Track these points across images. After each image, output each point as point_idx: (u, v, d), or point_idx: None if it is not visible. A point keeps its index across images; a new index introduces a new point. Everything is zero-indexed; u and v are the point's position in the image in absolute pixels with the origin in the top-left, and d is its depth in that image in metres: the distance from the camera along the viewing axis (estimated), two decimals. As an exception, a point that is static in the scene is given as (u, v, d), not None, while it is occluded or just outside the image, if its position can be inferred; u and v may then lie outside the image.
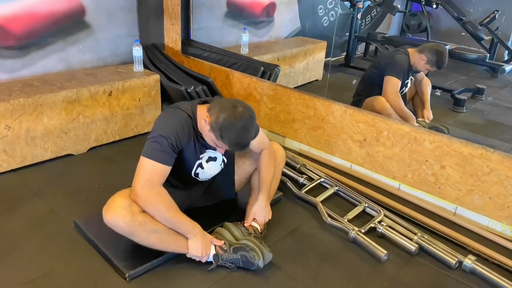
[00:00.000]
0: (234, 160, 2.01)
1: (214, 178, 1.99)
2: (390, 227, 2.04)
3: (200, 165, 1.80)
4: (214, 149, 1.76)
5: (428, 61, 2.77)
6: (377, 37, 4.67)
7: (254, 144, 1.88)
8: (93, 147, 2.71)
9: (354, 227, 1.99)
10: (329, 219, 2.08)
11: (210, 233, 1.78)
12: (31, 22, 2.66)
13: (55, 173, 2.40)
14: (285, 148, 2.70)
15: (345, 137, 2.57)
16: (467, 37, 4.40)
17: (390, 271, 1.82)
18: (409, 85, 2.95)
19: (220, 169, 1.89)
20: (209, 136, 1.64)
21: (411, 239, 1.96)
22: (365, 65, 4.08)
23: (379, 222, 2.07)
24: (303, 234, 2.02)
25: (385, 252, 1.85)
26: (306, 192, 2.31)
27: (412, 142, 2.28)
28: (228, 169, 2.00)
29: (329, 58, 4.30)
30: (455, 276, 1.81)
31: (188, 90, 2.82)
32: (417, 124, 2.76)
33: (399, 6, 4.71)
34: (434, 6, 4.44)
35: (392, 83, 2.77)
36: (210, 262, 1.72)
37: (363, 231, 1.99)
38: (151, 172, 1.57)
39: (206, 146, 1.77)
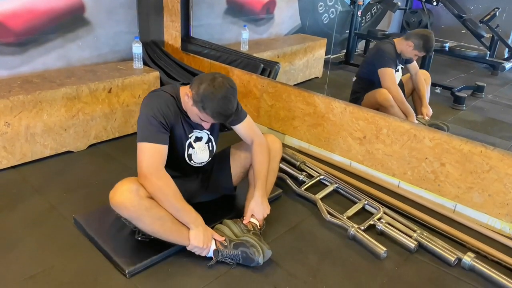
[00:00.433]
0: (229, 152, 2.02)
1: (211, 171, 2.01)
2: (389, 224, 2.04)
3: (191, 145, 1.83)
4: (200, 129, 1.81)
5: (415, 47, 2.79)
6: (377, 35, 4.66)
7: (243, 130, 1.90)
8: (93, 144, 2.71)
9: (354, 224, 1.99)
10: (328, 216, 2.08)
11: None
12: (30, 18, 2.65)
13: (55, 170, 2.40)
14: (285, 146, 2.71)
15: (345, 135, 2.57)
16: (467, 34, 4.39)
17: (389, 268, 1.82)
18: (400, 73, 2.95)
19: (207, 150, 1.90)
20: (193, 110, 1.68)
21: (410, 236, 1.96)
22: (365, 62, 4.08)
23: (379, 219, 2.07)
24: (303, 231, 2.02)
25: (385, 249, 1.86)
26: (305, 189, 2.31)
27: (412, 140, 2.28)
28: (224, 161, 2.01)
29: (329, 56, 4.30)
30: (454, 273, 1.81)
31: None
32: (417, 122, 2.76)
33: (399, 3, 4.69)
34: (435, 3, 4.43)
35: (388, 74, 2.78)
36: (210, 258, 1.73)
37: (362, 228, 1.99)
38: (151, 154, 1.61)
39: (192, 126, 1.81)
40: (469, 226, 2.13)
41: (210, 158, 1.95)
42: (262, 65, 3.01)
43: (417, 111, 3.00)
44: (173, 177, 1.82)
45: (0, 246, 1.78)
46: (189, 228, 1.68)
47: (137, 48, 2.94)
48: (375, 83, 2.83)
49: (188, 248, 1.71)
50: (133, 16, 3.17)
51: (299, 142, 2.85)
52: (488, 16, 4.26)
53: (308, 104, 2.70)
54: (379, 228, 2.02)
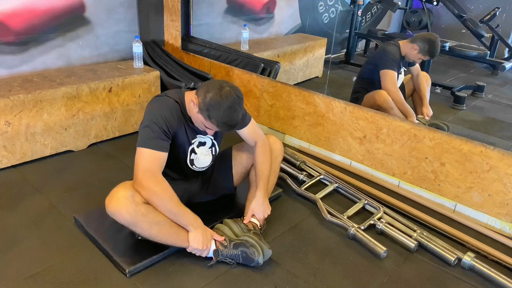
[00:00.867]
0: (231, 153, 2.02)
1: (212, 171, 2.00)
2: (389, 224, 2.04)
3: (193, 151, 1.82)
4: (204, 133, 1.80)
5: (420, 50, 2.78)
6: (378, 34, 4.66)
7: (247, 134, 1.90)
8: (93, 143, 2.71)
9: (354, 224, 1.99)
10: (328, 215, 2.09)
11: (210, 229, 1.78)
12: (30, 18, 2.65)
13: (55, 169, 2.40)
14: (285, 145, 2.71)
15: (345, 134, 2.57)
16: (467, 34, 4.40)
17: (389, 267, 1.83)
18: (402, 76, 2.95)
19: (211, 154, 1.90)
20: (198, 118, 1.67)
21: (410, 236, 1.96)
22: (365, 62, 4.08)
23: (379, 219, 2.07)
24: (303, 231, 2.03)
25: (385, 248, 1.86)
26: (305, 189, 2.31)
27: (412, 139, 2.28)
28: (226, 162, 2.01)
29: (329, 55, 4.30)
30: (454, 273, 1.82)
31: (188, 87, 2.81)
32: (417, 121, 2.76)
33: (399, 3, 4.70)
34: (435, 3, 4.43)
35: (389, 76, 2.78)
36: (210, 258, 1.73)
37: (362, 227, 2.00)
38: (149, 160, 1.60)
39: (196, 131, 1.80)
40: (469, 225, 2.13)
41: (212, 162, 1.95)
42: (262, 65, 3.01)
43: (417, 111, 3.01)
44: (173, 179, 1.82)
45: (0, 245, 1.78)
46: (188, 230, 1.68)
47: (137, 48, 2.94)
48: (376, 84, 2.83)
49: (188, 250, 1.71)
50: (133, 15, 3.17)
51: (299, 142, 2.85)
52: (488, 16, 4.27)
53: (308, 104, 2.70)
54: (379, 227, 2.02)
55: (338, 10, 4.78)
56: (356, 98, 2.96)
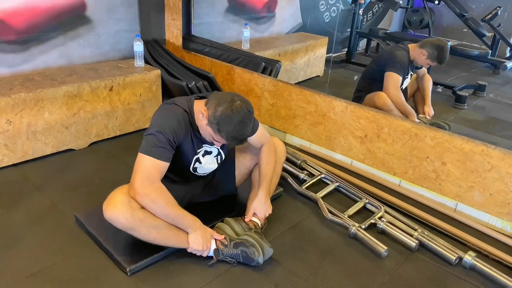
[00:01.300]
0: (234, 155, 2.01)
1: (214, 173, 2.00)
2: (390, 223, 2.04)
3: (198, 160, 1.80)
4: (211, 144, 1.77)
5: (429, 56, 2.76)
6: (379, 33, 4.66)
7: (254, 139, 1.88)
8: (94, 142, 2.71)
9: (355, 223, 1.99)
10: (329, 215, 2.08)
11: (211, 228, 1.78)
12: (32, 16, 2.65)
13: (56, 168, 2.41)
14: (286, 144, 2.71)
15: (346, 133, 2.57)
16: (469, 33, 4.39)
17: (390, 266, 1.82)
18: (408, 80, 2.94)
19: (216, 163, 1.89)
20: (206, 130, 1.64)
21: (411, 235, 1.96)
22: (367, 61, 4.06)
23: (380, 218, 2.07)
24: (304, 230, 2.02)
25: (385, 248, 1.86)
26: (306, 188, 2.31)
27: (413, 139, 2.28)
28: (228, 163, 2.00)
29: (330, 54, 4.30)
30: (455, 272, 1.81)
31: (189, 86, 2.82)
32: (418, 121, 2.75)
33: (401, 1, 4.69)
34: (436, 2, 4.43)
35: (393, 79, 2.76)
36: (211, 257, 1.73)
37: (363, 227, 1.99)
38: (149, 168, 1.57)
39: (202, 141, 1.77)
40: (470, 225, 2.13)
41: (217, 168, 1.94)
42: (263, 64, 3.01)
43: (418, 110, 3.00)
44: (174, 181, 1.82)
45: (1, 244, 1.79)
46: (187, 232, 1.67)
47: (139, 46, 2.94)
48: (380, 85, 2.81)
49: (188, 250, 1.71)
50: (134, 14, 3.17)
51: (300, 141, 2.85)
52: (490, 15, 4.26)
53: (309, 103, 2.70)
54: (380, 226, 2.02)
55: (339, 9, 4.78)
56: (359, 97, 2.95)
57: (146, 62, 3.06)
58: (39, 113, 2.38)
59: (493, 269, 1.78)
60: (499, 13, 4.24)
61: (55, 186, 2.23)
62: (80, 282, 1.62)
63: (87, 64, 2.98)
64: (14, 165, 2.38)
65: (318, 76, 4.24)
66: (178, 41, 3.41)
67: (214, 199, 2.07)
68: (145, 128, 2.91)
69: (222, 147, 1.86)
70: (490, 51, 4.24)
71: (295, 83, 2.94)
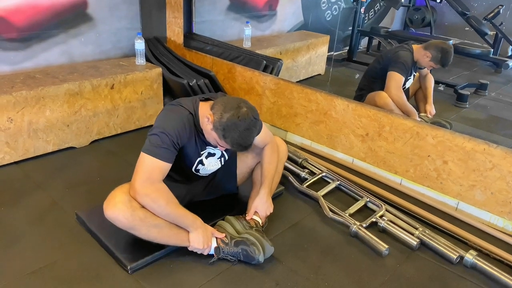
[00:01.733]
0: (236, 154, 2.01)
1: (216, 172, 1.99)
2: (391, 221, 2.04)
3: (201, 162, 1.80)
4: (215, 146, 1.76)
5: (432, 59, 2.75)
6: (380, 32, 4.65)
7: (258, 140, 1.87)
8: (95, 140, 2.71)
9: (356, 222, 1.99)
10: (330, 213, 2.08)
11: (212, 226, 1.78)
12: (33, 14, 2.65)
13: (57, 166, 2.41)
14: (287, 143, 2.70)
15: (347, 132, 2.57)
16: (471, 32, 4.38)
17: (391, 265, 1.82)
18: (411, 81, 2.94)
19: (219, 164, 1.89)
20: (211, 135, 1.64)
21: (412, 234, 1.96)
22: (368, 59, 4.06)
23: (381, 216, 2.07)
24: (305, 228, 2.02)
25: (386, 246, 1.85)
26: (307, 186, 2.31)
27: (415, 137, 2.28)
28: (230, 163, 1.99)
29: (331, 53, 4.29)
30: (456, 271, 1.81)
31: (190, 84, 2.82)
32: (420, 119, 2.75)
33: (402, 0, 4.68)
34: (438, 0, 4.42)
35: (395, 79, 2.76)
36: (212, 255, 1.73)
37: (364, 225, 1.99)
38: (151, 169, 1.57)
39: (206, 143, 1.77)
40: (471, 224, 2.12)
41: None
42: (264, 62, 3.00)
43: (420, 109, 3.00)
44: (176, 180, 1.82)
45: (2, 241, 1.79)
46: (188, 230, 1.67)
47: (140, 44, 2.94)
48: (382, 84, 2.81)
49: (189, 249, 1.71)
50: (136, 12, 3.17)
51: (301, 139, 2.85)
52: (492, 14, 4.25)
53: (310, 101, 2.69)
54: (381, 225, 2.02)
55: (341, 7, 4.77)
56: (361, 95, 2.95)
57: (147, 60, 3.06)
58: (40, 111, 2.38)
59: (494, 268, 1.78)
60: (501, 12, 4.23)
61: (56, 184, 2.23)
62: (81, 279, 1.62)
63: (88, 62, 2.98)
64: (15, 163, 2.39)
65: (319, 74, 4.24)
66: (180, 39, 3.41)
67: (215, 197, 2.07)
68: (146, 126, 2.93)
69: (226, 149, 1.86)
70: (492, 50, 4.23)
71: (297, 82, 2.94)
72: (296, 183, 2.33)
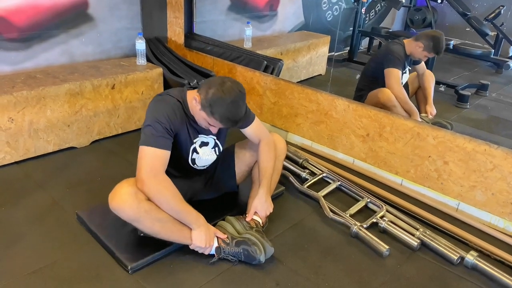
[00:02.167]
0: (234, 151, 2.01)
1: (215, 169, 2.00)
2: (392, 222, 2.04)
3: (195, 150, 1.81)
4: (207, 133, 1.79)
5: (425, 48, 2.76)
6: (381, 32, 4.65)
7: (251, 131, 1.89)
8: (96, 140, 2.71)
9: (356, 222, 1.99)
10: (331, 213, 2.08)
11: (212, 226, 1.78)
12: (34, 14, 2.65)
13: (58, 166, 2.41)
14: (288, 143, 2.70)
15: (348, 132, 2.57)
16: (471, 32, 4.38)
17: (391, 266, 1.82)
18: (407, 75, 2.93)
19: (214, 154, 1.89)
20: (200, 115, 1.66)
21: (413, 235, 1.96)
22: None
23: (381, 217, 2.07)
24: (305, 229, 2.02)
25: (387, 247, 1.85)
26: (308, 186, 2.31)
27: (415, 138, 2.27)
28: (228, 160, 2.00)
29: (332, 53, 4.29)
30: (457, 272, 1.81)
31: (191, 84, 2.82)
32: (421, 120, 2.75)
33: (403, 0, 4.68)
34: (439, 1, 4.41)
35: (393, 75, 2.76)
36: (212, 255, 1.73)
37: (365, 226, 1.99)
38: (151, 158, 1.59)
39: (198, 131, 1.79)
40: (472, 224, 2.12)
41: (215, 161, 1.95)
42: (265, 62, 3.00)
43: (421, 109, 2.99)
44: (175, 177, 1.82)
45: (3, 241, 1.79)
46: (190, 228, 1.68)
47: (140, 45, 2.94)
48: (380, 82, 2.81)
49: (190, 247, 1.71)
50: (137, 12, 3.17)
51: (302, 140, 2.85)
52: (493, 14, 4.24)
53: (311, 102, 2.69)
54: (381, 226, 2.02)
55: (342, 7, 4.77)
56: (360, 96, 2.95)
57: (148, 60, 3.06)
58: (41, 111, 2.39)
59: (495, 268, 1.77)
60: (502, 12, 4.22)
61: (57, 184, 2.24)
62: (81, 279, 1.62)
63: (89, 62, 2.98)
64: (16, 162, 2.39)
65: (320, 74, 4.23)
66: (180, 39, 3.41)
67: (216, 197, 2.07)
68: (147, 126, 2.92)
69: (219, 137, 1.88)
70: (493, 50, 4.22)
71: (297, 82, 2.94)
72: (296, 184, 2.33)
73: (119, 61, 3.01)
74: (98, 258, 1.72)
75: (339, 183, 2.36)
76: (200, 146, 1.83)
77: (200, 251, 1.71)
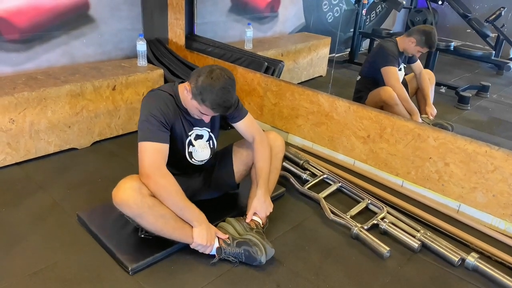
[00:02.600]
0: (231, 150, 2.02)
1: (213, 168, 2.01)
2: (393, 223, 2.04)
3: (191, 143, 1.83)
4: (201, 126, 1.82)
5: (418, 43, 2.77)
6: (382, 33, 4.64)
7: (243, 126, 1.91)
8: (97, 141, 2.71)
9: (357, 224, 1.99)
10: (331, 215, 2.08)
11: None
12: (35, 15, 2.66)
13: (58, 167, 2.41)
14: (288, 144, 2.70)
15: (348, 133, 2.57)
16: (472, 34, 4.37)
17: (392, 267, 1.82)
18: (402, 73, 2.93)
19: (208, 147, 1.90)
20: (192, 104, 1.69)
21: (414, 236, 1.96)
22: (369, 61, 4.05)
23: (382, 218, 2.07)
24: (306, 230, 2.02)
25: (388, 248, 1.85)
26: (309, 188, 2.31)
27: (416, 139, 2.27)
28: (226, 158, 2.01)
29: (333, 54, 4.29)
30: (457, 274, 1.81)
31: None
32: (421, 121, 2.75)
33: (404, 2, 4.68)
34: (440, 2, 4.41)
35: (391, 73, 2.77)
36: (213, 255, 1.73)
37: (365, 227, 1.99)
38: (152, 153, 1.61)
39: (192, 123, 1.82)
40: (473, 226, 2.12)
41: (211, 156, 1.95)
42: (266, 64, 3.01)
43: (421, 110, 2.99)
44: (175, 175, 1.82)
45: (4, 242, 1.79)
46: (192, 226, 1.68)
47: (141, 46, 2.95)
48: (379, 82, 2.82)
49: (191, 246, 1.71)
50: (137, 13, 3.17)
51: (303, 141, 2.85)
52: (494, 16, 4.24)
53: (312, 103, 2.69)
54: (382, 227, 2.01)
55: (343, 9, 4.77)
56: (359, 97, 2.95)
57: (149, 61, 3.06)
58: (42, 112, 2.39)
59: (496, 270, 1.77)
60: (503, 14, 4.22)
61: (58, 185, 2.24)
62: (82, 280, 1.62)
63: (90, 63, 2.98)
64: (17, 163, 2.39)
65: (320, 76, 4.24)
66: (181, 41, 3.41)
67: (216, 198, 2.07)
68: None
69: (212, 129, 1.90)
70: (494, 52, 4.22)
71: (298, 83, 2.94)
72: (297, 185, 2.33)
73: (120, 62, 3.02)
74: (99, 259, 1.72)
75: (339, 184, 2.36)
76: (195, 139, 1.85)
77: (201, 250, 1.71)
